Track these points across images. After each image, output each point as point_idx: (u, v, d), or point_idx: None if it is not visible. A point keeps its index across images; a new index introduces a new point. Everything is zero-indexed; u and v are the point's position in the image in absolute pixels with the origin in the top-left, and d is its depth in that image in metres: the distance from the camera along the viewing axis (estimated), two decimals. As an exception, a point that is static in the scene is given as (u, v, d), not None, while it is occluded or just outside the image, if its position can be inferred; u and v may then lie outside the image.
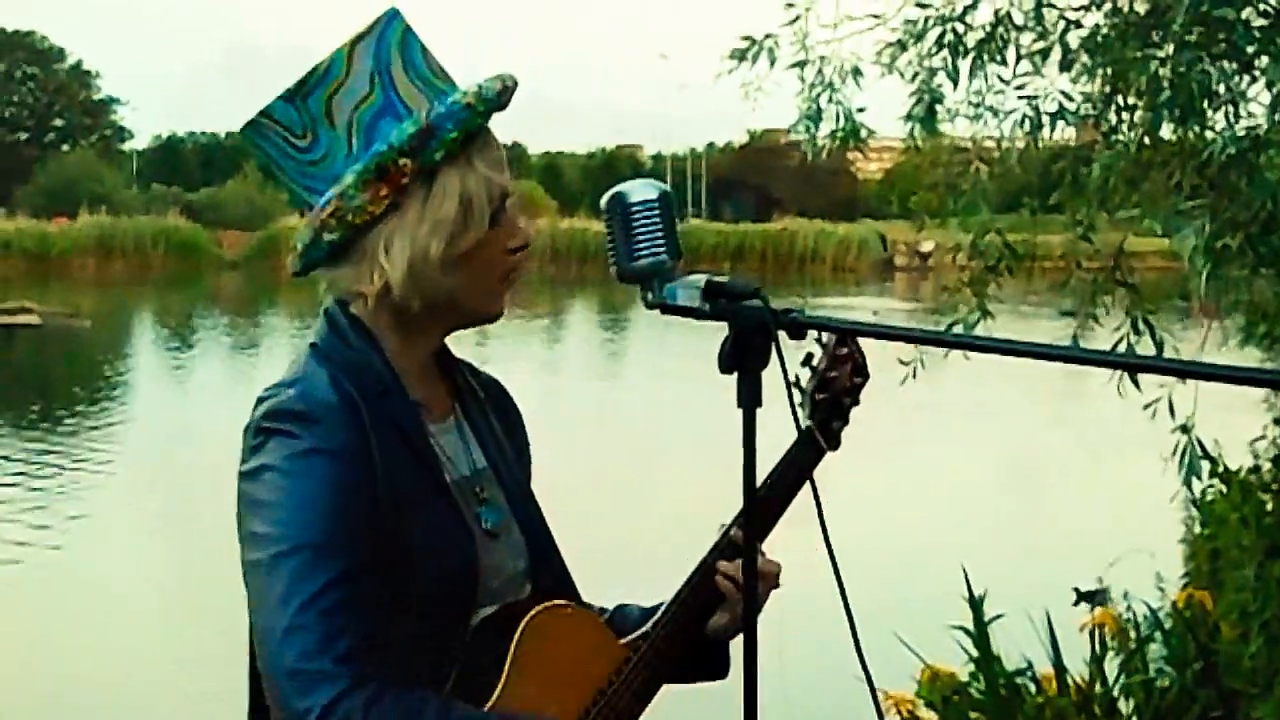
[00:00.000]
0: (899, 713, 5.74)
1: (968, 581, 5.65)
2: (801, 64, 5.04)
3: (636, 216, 2.23)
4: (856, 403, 2.62)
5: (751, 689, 2.18)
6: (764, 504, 2.48)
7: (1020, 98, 4.69)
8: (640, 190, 2.24)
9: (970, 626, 5.73)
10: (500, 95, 2.26)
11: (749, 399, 2.14)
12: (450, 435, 2.37)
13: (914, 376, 5.19)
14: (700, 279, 2.22)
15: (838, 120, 5.05)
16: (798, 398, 2.57)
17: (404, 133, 2.21)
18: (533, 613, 2.31)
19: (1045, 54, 5.03)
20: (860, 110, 5.12)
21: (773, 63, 5.00)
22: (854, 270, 60.73)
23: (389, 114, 2.24)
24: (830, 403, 2.58)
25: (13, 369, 29.82)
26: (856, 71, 5.05)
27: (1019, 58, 4.85)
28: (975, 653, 5.70)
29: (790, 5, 4.94)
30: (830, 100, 5.01)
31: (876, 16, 5.17)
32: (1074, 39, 4.98)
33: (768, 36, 5.00)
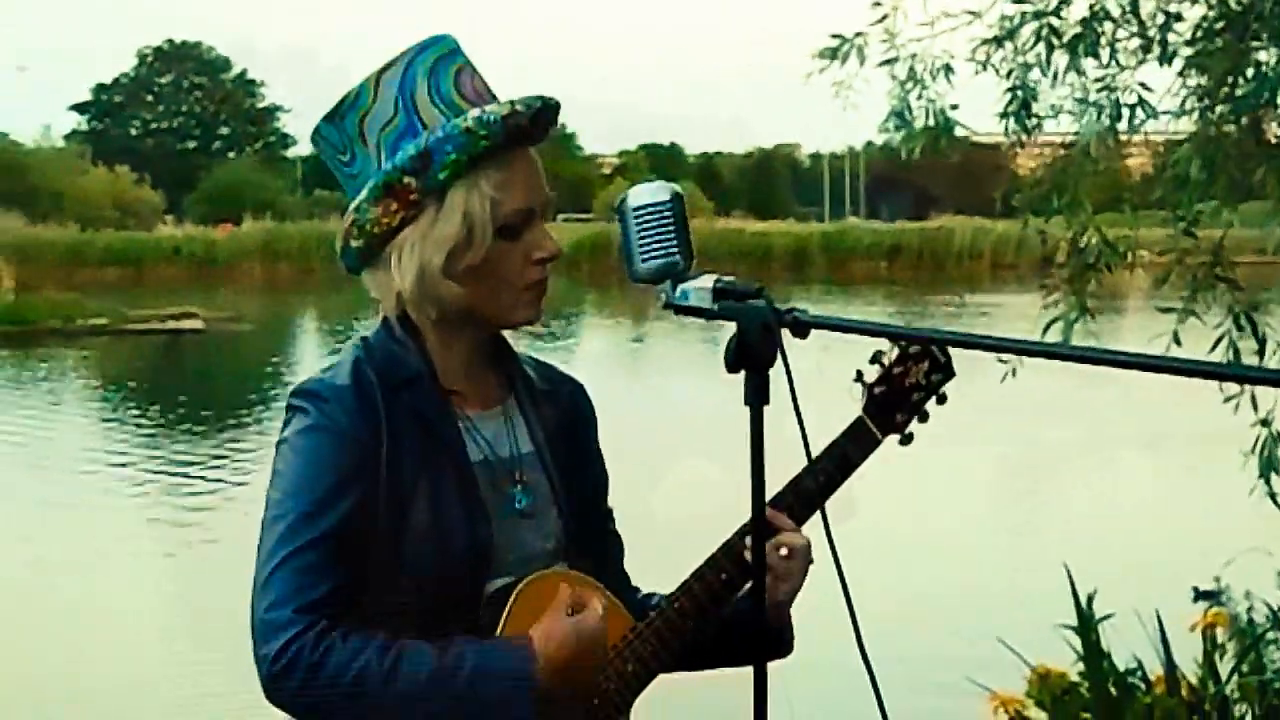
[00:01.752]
0: (1006, 713, 5.69)
1: (1071, 581, 5.59)
2: (891, 62, 5.05)
3: (644, 219, 2.28)
4: (941, 399, 2.62)
5: (761, 676, 2.22)
6: (804, 487, 2.54)
7: (1099, 90, 4.64)
8: (648, 193, 2.30)
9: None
10: (509, 119, 2.38)
11: (755, 397, 2.19)
12: (494, 422, 2.51)
13: (1013, 375, 5.16)
14: (709, 279, 2.26)
15: (928, 118, 5.05)
16: (858, 391, 2.60)
17: (405, 154, 2.38)
18: (529, 578, 2.41)
19: (1146, 48, 4.99)
20: (954, 108, 5.12)
21: (862, 61, 5.01)
22: (1014, 268, 59.94)
23: (410, 135, 2.41)
24: (889, 397, 2.60)
25: (179, 373, 30.52)
26: (948, 69, 5.04)
27: (1112, 52, 4.81)
28: (1083, 652, 5.64)
29: (877, 4, 4.96)
30: (920, 98, 5.00)
31: (973, 13, 5.15)
32: (1172, 32, 4.92)
33: (858, 35, 5.01)
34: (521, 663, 2.31)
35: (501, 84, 2.49)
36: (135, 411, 23.27)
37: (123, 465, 17.25)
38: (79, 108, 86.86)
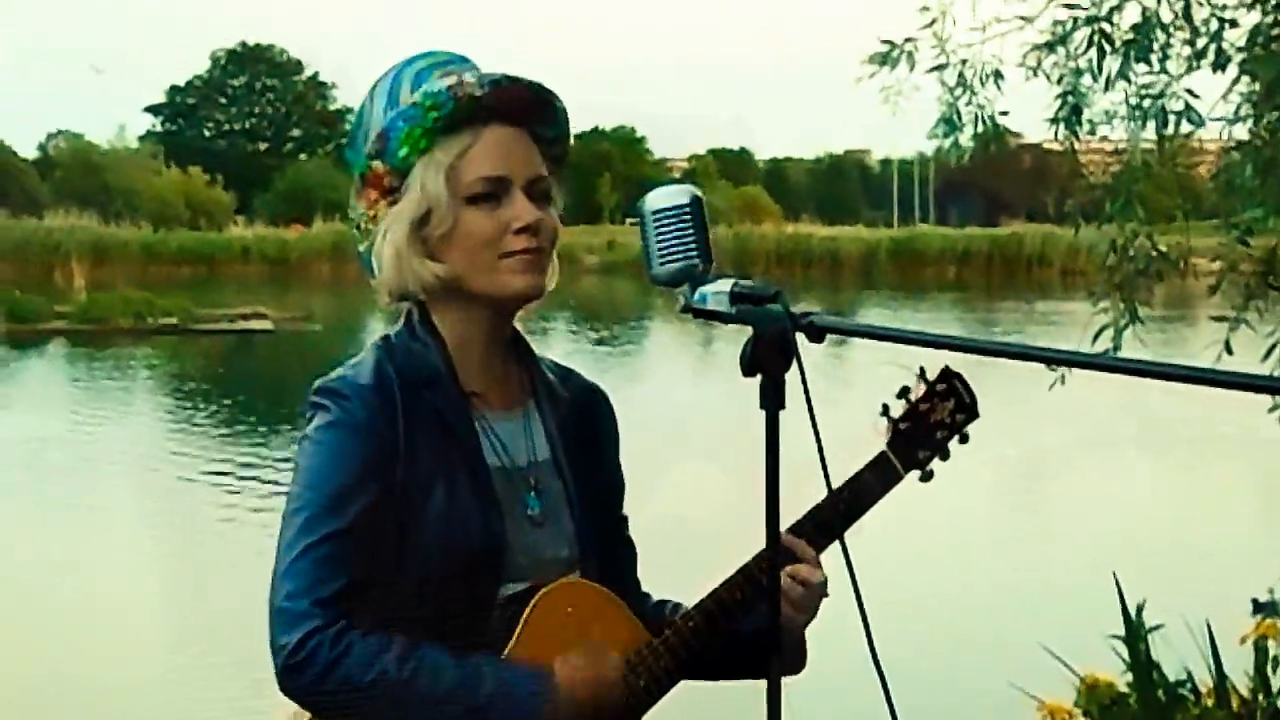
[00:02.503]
0: (1053, 721, 5.65)
1: (1119, 590, 5.55)
2: (941, 67, 5.03)
3: (662, 223, 2.27)
4: (964, 439, 2.62)
5: (775, 693, 2.21)
6: (823, 516, 2.54)
7: (1143, 96, 4.60)
8: (666, 197, 2.29)
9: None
10: (454, 89, 2.40)
11: (771, 402, 2.18)
12: (511, 425, 2.52)
13: (1062, 383, 5.13)
14: (727, 283, 2.25)
15: (977, 124, 5.03)
16: (883, 425, 2.61)
17: (370, 140, 2.44)
18: (548, 588, 2.42)
19: (1200, 54, 4.94)
20: (1004, 114, 5.10)
21: (912, 67, 5.00)
22: (1084, 274, 59.36)
23: None
24: (913, 433, 2.60)
25: (247, 373, 30.67)
26: (997, 75, 5.02)
27: (1163, 58, 4.77)
28: (1131, 661, 5.60)
29: (925, 9, 4.94)
30: (969, 104, 4.98)
31: (1024, 18, 5.12)
32: (1224, 40, 4.88)
33: (908, 40, 5.00)
34: (542, 690, 2.34)
35: (568, 88, 2.51)
36: (202, 411, 23.41)
37: (188, 465, 17.36)
38: (153, 109, 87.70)
